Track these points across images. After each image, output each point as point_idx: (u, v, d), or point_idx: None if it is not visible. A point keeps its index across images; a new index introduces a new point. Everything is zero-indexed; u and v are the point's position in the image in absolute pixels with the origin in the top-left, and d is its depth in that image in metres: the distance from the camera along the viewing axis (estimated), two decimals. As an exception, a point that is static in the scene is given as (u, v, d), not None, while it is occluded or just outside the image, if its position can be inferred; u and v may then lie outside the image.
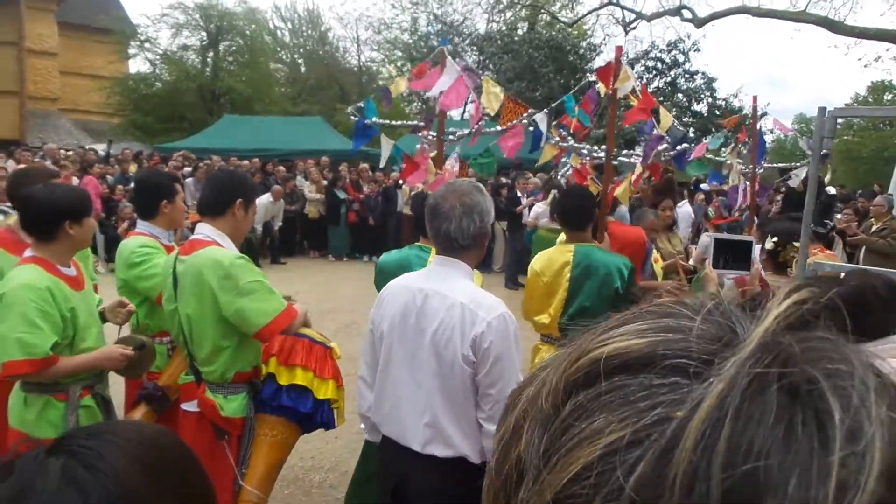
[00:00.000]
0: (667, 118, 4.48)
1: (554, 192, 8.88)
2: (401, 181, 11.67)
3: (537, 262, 3.38)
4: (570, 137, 4.67)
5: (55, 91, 24.39)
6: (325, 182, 12.26)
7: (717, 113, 21.24)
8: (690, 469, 0.31)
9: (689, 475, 0.31)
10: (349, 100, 29.48)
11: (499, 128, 4.09)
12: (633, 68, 22.60)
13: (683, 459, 0.31)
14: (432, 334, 1.97)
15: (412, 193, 11.84)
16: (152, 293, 2.84)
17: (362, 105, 4.17)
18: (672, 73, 21.81)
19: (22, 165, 4.26)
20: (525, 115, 4.16)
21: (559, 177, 5.06)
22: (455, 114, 16.58)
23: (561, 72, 21.12)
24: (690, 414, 0.32)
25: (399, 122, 4.50)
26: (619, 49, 4.49)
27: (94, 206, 2.60)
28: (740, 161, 4.55)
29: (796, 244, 3.30)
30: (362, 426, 2.36)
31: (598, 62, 23.08)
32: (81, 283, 2.50)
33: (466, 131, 4.30)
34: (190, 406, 2.55)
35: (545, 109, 4.65)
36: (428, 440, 2.00)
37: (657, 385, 0.34)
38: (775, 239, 3.33)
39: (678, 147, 4.37)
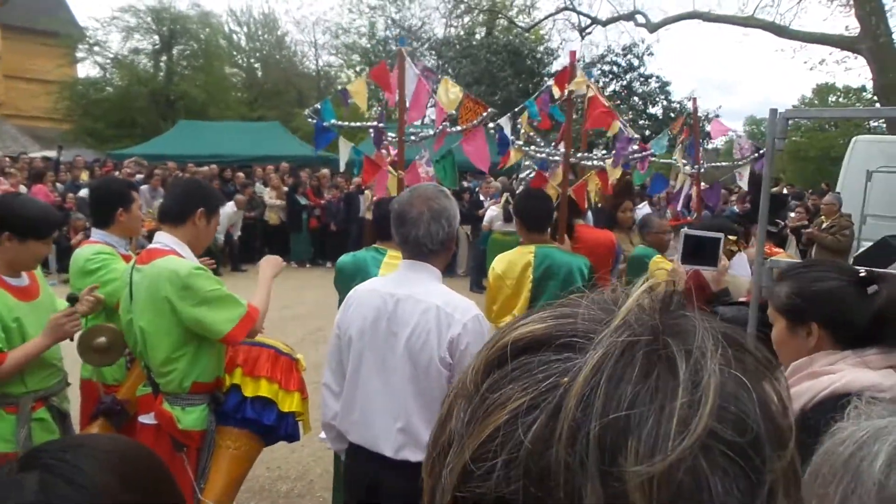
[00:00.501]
0: (615, 125, 4.58)
1: (506, 195, 8.98)
2: (363, 186, 11.63)
3: (498, 264, 3.40)
4: (540, 141, 4.72)
5: (-1, 95, 23.56)
6: (285, 188, 12.11)
7: (672, 115, 21.76)
8: (574, 423, 0.38)
9: (573, 428, 0.38)
10: (307, 104, 29.15)
11: (458, 128, 4.09)
12: (589, 73, 23.09)
13: (568, 416, 0.38)
14: (406, 338, 1.96)
15: (374, 199, 11.84)
16: (110, 300, 2.75)
17: (319, 107, 4.10)
18: (627, 76, 22.24)
19: None
20: (485, 114, 4.17)
21: (519, 180, 5.09)
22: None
23: (519, 76, 21.33)
24: (573, 379, 0.40)
25: (357, 124, 4.44)
26: (573, 53, 4.58)
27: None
28: (685, 161, 4.67)
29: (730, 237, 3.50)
30: (324, 436, 2.32)
31: (556, 66, 23.44)
32: (33, 293, 2.44)
33: (430, 132, 4.28)
34: (147, 418, 2.49)
35: (508, 114, 4.68)
36: (401, 445, 1.98)
37: (552, 360, 0.42)
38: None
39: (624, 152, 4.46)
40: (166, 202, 2.53)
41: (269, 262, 2.66)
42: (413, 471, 1.97)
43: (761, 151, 4.53)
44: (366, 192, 12.19)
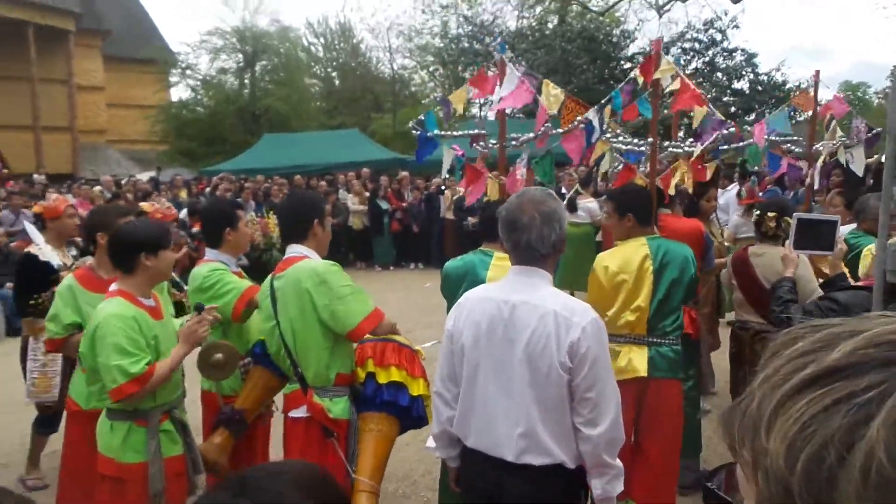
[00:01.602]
0: (699, 112, 4.37)
1: (577, 185, 8.79)
2: (462, 191, 11.70)
3: (611, 261, 3.26)
4: (624, 133, 4.60)
5: (103, 124, 25.43)
6: (366, 193, 12.40)
7: (760, 89, 20.60)
8: None
9: None
10: (383, 108, 29.80)
11: (560, 130, 4.04)
12: (668, 52, 22.20)
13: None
14: (525, 345, 1.97)
15: (454, 199, 11.91)
16: (225, 310, 2.97)
17: (423, 118, 4.20)
18: (710, 52, 21.24)
19: (56, 196, 4.47)
20: (549, 117, 4.10)
21: (610, 174, 4.95)
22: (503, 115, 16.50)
23: (595, 62, 20.82)
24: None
25: (460, 133, 4.48)
26: (658, 42, 4.41)
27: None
28: (842, 139, 4.30)
29: (788, 218, 3.36)
30: (431, 443, 2.35)
31: (633, 48, 22.72)
32: (160, 313, 2.68)
33: (530, 135, 4.26)
34: (297, 413, 2.73)
35: (595, 107, 4.57)
36: (523, 450, 2.00)
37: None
38: (758, 211, 3.76)
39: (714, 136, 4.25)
40: (283, 224, 2.84)
41: (185, 336, 2.68)
42: (536, 474, 2.00)
43: (875, 131, 4.20)
44: (446, 192, 12.30)
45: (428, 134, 4.28)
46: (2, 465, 4.53)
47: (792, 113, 4.50)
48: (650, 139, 4.40)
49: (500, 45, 4.27)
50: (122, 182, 12.89)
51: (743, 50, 20.98)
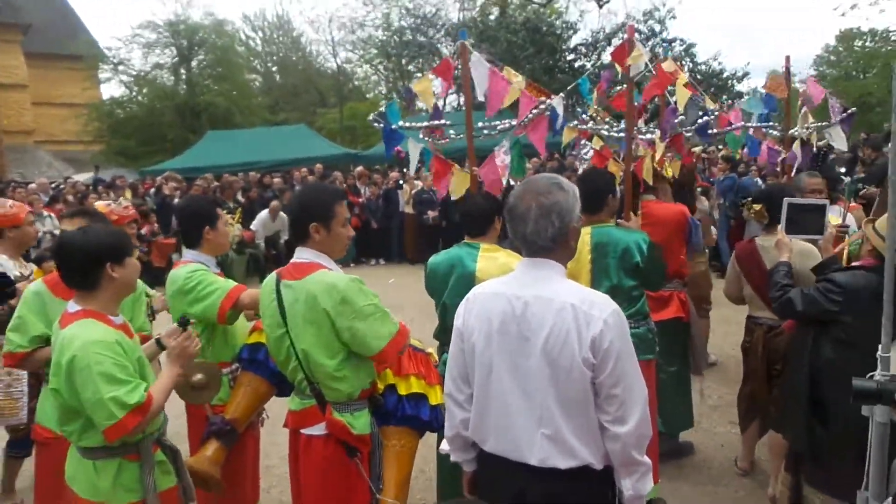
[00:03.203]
0: (683, 93, 4.40)
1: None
2: (421, 185, 11.61)
3: None
4: (590, 120, 4.59)
5: (29, 123, 24.03)
6: (322, 189, 12.13)
7: (699, 78, 21.23)
8: None
9: None
10: (328, 103, 29.31)
11: (532, 114, 3.97)
12: (610, 42, 22.64)
13: None
14: (544, 342, 1.86)
15: (413, 193, 11.79)
16: (210, 312, 2.76)
17: (384, 110, 4.03)
18: (650, 43, 21.76)
19: (12, 203, 4.09)
20: (549, 101, 4.06)
21: (577, 160, 4.94)
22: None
23: (539, 53, 21.01)
24: None
25: (425, 124, 4.34)
26: (632, 28, 4.42)
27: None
28: (813, 124, 4.41)
29: (756, 206, 3.51)
30: (445, 447, 2.25)
31: (576, 39, 23.05)
32: (130, 330, 2.37)
33: (506, 123, 4.17)
34: (314, 430, 2.47)
35: (561, 94, 4.54)
36: (548, 453, 1.89)
37: None
38: (753, 204, 3.61)
39: (700, 120, 4.29)
40: (294, 222, 2.51)
41: (175, 356, 2.37)
42: (562, 478, 1.89)
43: (850, 111, 4.33)
44: (404, 186, 12.16)
45: (392, 126, 4.14)
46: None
47: (765, 98, 4.59)
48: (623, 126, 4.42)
49: (461, 33, 4.18)
50: (60, 184, 12.18)
51: (682, 40, 21.60)
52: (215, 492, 2.71)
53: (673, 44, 21.67)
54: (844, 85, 27.07)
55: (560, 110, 4.47)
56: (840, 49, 33.16)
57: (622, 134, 4.54)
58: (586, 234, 3.31)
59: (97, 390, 2.05)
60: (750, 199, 3.71)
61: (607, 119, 4.69)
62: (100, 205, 5.17)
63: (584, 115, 4.90)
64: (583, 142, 5.14)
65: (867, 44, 31.22)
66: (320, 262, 2.42)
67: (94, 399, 2.06)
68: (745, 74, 22.30)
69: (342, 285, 2.31)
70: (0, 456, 4.00)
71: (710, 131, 4.51)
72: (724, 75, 21.35)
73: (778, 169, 4.50)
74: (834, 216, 3.57)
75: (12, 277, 3.74)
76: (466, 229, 3.14)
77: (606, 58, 22.93)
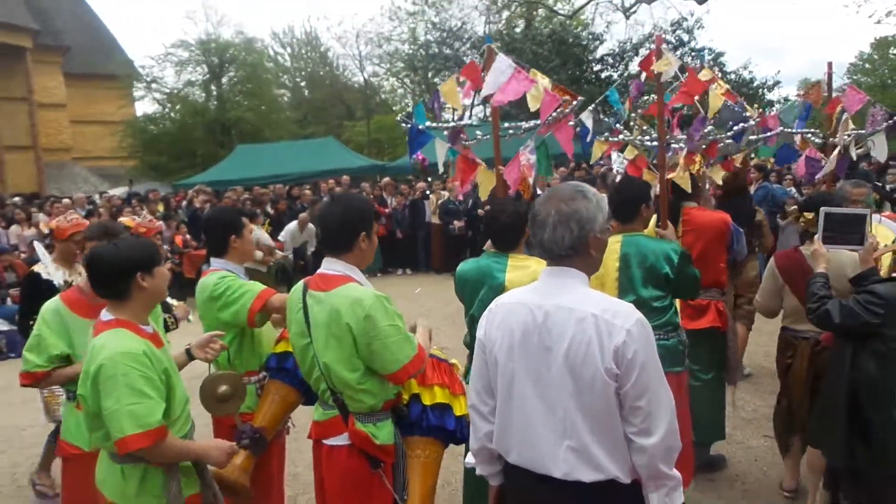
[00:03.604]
0: (716, 100, 4.33)
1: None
2: (447, 194, 11.64)
3: None
4: (625, 129, 4.54)
5: (67, 141, 24.76)
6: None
7: (729, 87, 20.97)
8: None
9: None
10: (355, 116, 29.62)
11: (554, 114, 3.94)
12: (637, 53, 22.51)
13: None
14: (565, 353, 1.82)
15: (439, 203, 11.83)
16: (240, 316, 2.78)
17: (412, 111, 4.05)
18: (678, 52, 21.58)
19: (56, 218, 4.26)
20: (575, 102, 4.01)
21: (609, 171, 4.91)
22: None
23: (565, 64, 20.99)
24: None
25: (452, 124, 4.33)
26: (660, 38, 4.38)
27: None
28: (853, 130, 4.29)
29: (808, 214, 3.31)
30: (471, 459, 2.22)
31: (602, 50, 22.97)
32: (161, 339, 2.40)
33: (531, 124, 4.15)
34: (338, 441, 2.46)
35: (590, 107, 4.51)
36: (572, 466, 1.84)
37: None
38: (805, 212, 3.37)
39: (735, 127, 4.21)
40: (327, 232, 2.48)
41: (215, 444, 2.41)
42: (587, 491, 1.84)
43: (895, 118, 4.21)
44: (431, 196, 12.20)
45: (419, 126, 4.15)
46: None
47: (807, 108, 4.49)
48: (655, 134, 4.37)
49: (486, 38, 4.20)
50: (96, 199, 12.49)
51: (710, 49, 21.37)
52: (244, 500, 2.71)
53: (702, 53, 21.48)
54: (881, 93, 26.46)
55: (590, 123, 4.45)
56: (875, 57, 32.46)
57: (655, 143, 4.49)
58: (616, 243, 3.29)
59: (118, 399, 2.07)
60: (796, 207, 3.58)
61: (645, 128, 4.64)
62: (125, 219, 5.31)
63: (617, 125, 4.87)
64: (615, 153, 5.10)
65: (903, 51, 30.53)
66: (351, 274, 2.39)
67: (113, 408, 2.08)
68: (776, 83, 22.00)
69: (368, 302, 2.29)
70: (45, 440, 4.20)
71: (750, 137, 4.42)
72: (755, 84, 21.04)
73: (818, 178, 4.38)
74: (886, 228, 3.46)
75: (57, 284, 3.86)
76: (494, 243, 3.10)
77: (634, 68, 22.82)
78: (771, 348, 5.56)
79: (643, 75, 4.39)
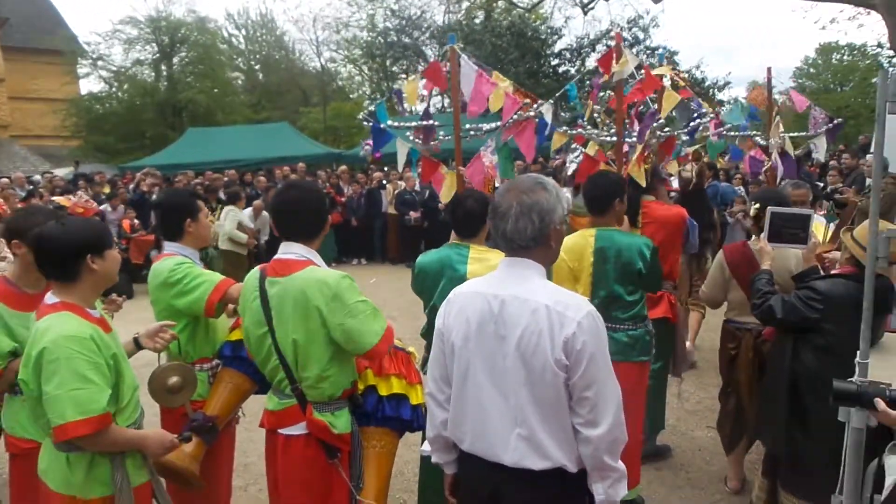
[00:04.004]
0: (672, 97, 4.44)
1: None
2: (403, 185, 11.55)
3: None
4: (586, 124, 4.62)
5: (5, 118, 23.60)
6: (304, 188, 12.05)
7: (681, 85, 21.49)
8: None
9: None
10: (311, 102, 29.14)
11: (514, 117, 3.99)
12: (594, 49, 22.84)
13: None
14: (517, 342, 1.85)
15: (395, 193, 11.77)
16: (198, 305, 2.71)
17: (373, 109, 4.02)
18: (634, 50, 21.97)
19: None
20: (535, 105, 4.07)
21: (568, 164, 4.98)
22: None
23: (524, 57, 21.11)
24: None
25: (413, 124, 4.33)
26: (619, 36, 4.47)
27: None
28: (781, 135, 4.47)
29: (756, 206, 3.39)
30: (427, 448, 2.23)
31: (560, 45, 23.21)
32: (108, 324, 2.31)
33: (492, 126, 4.19)
34: (294, 430, 2.44)
35: (550, 100, 4.57)
36: (522, 453, 1.88)
37: None
38: (757, 205, 3.41)
39: (691, 123, 4.34)
40: (283, 220, 2.46)
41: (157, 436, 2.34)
42: (535, 479, 1.88)
43: (836, 121, 4.40)
44: (387, 186, 12.12)
45: (381, 125, 4.14)
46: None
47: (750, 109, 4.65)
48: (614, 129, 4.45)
49: (450, 37, 4.19)
50: (38, 179, 11.96)
51: (664, 48, 21.77)
52: (195, 489, 2.66)
53: (656, 51, 21.93)
54: (823, 97, 27.56)
55: (549, 117, 4.51)
56: (819, 62, 33.77)
57: (614, 138, 4.58)
58: (591, 237, 3.33)
59: (60, 384, 2.01)
60: (757, 204, 3.64)
61: (608, 122, 4.72)
62: (60, 199, 5.03)
63: (580, 120, 4.93)
64: (573, 146, 5.17)
65: (845, 57, 31.84)
66: (311, 258, 2.39)
67: (54, 393, 2.01)
68: (727, 84, 22.67)
69: (333, 282, 2.28)
70: None
71: (704, 134, 4.56)
72: (706, 84, 21.61)
73: (762, 177, 4.56)
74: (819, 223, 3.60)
75: None
76: (457, 230, 3.10)
77: (591, 63, 23.14)
78: (717, 342, 5.75)
79: (602, 73, 4.48)
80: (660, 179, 4.23)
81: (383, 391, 2.55)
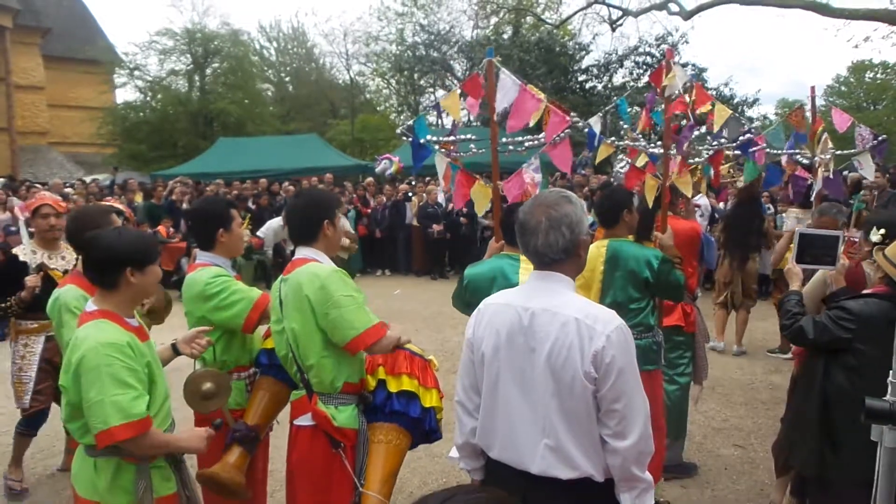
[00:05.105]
0: (723, 112, 4.43)
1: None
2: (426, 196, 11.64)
3: None
4: (639, 137, 4.64)
5: (44, 125, 24.30)
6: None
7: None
8: None
9: None
10: (339, 115, 29.52)
11: (542, 137, 4.01)
12: (622, 65, 22.81)
13: None
14: (547, 354, 1.89)
15: (419, 205, 11.84)
16: (236, 322, 2.74)
17: (412, 123, 4.07)
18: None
19: (33, 202, 4.19)
20: (570, 123, 4.09)
21: (612, 177, 5.00)
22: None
23: (552, 72, 21.19)
24: None
25: (453, 138, 4.38)
26: (670, 51, 4.46)
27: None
28: (830, 152, 4.41)
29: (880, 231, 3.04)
30: (454, 454, 2.25)
31: (588, 61, 23.23)
32: (146, 333, 2.37)
33: (533, 141, 4.21)
34: (302, 421, 2.58)
35: (599, 113, 4.59)
36: (549, 463, 1.91)
37: None
38: (882, 231, 2.89)
39: (741, 137, 4.32)
40: (292, 226, 2.63)
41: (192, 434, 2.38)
42: (562, 488, 1.91)
43: (881, 138, 4.34)
44: (412, 198, 12.22)
45: (420, 140, 4.18)
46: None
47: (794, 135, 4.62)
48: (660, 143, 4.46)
49: (488, 50, 4.23)
50: (73, 184, 12.28)
51: (693, 65, 21.73)
52: (241, 499, 2.68)
53: (685, 68, 21.81)
54: (856, 116, 27.15)
55: (597, 128, 4.53)
56: (851, 80, 33.30)
57: (661, 150, 4.59)
58: (602, 248, 3.50)
59: (101, 390, 2.05)
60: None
61: (638, 136, 4.76)
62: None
63: (635, 133, 4.96)
64: (619, 156, 5.17)
65: (878, 76, 31.37)
66: (317, 257, 2.55)
67: (96, 399, 2.05)
68: (756, 101, 22.46)
69: (324, 274, 2.44)
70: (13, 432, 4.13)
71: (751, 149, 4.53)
72: (735, 101, 21.44)
73: (812, 198, 4.52)
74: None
75: (31, 266, 3.82)
76: (508, 240, 3.10)
77: (618, 80, 23.11)
78: (743, 361, 5.68)
79: (654, 87, 4.49)
80: (677, 195, 4.28)
81: (393, 388, 2.62)
